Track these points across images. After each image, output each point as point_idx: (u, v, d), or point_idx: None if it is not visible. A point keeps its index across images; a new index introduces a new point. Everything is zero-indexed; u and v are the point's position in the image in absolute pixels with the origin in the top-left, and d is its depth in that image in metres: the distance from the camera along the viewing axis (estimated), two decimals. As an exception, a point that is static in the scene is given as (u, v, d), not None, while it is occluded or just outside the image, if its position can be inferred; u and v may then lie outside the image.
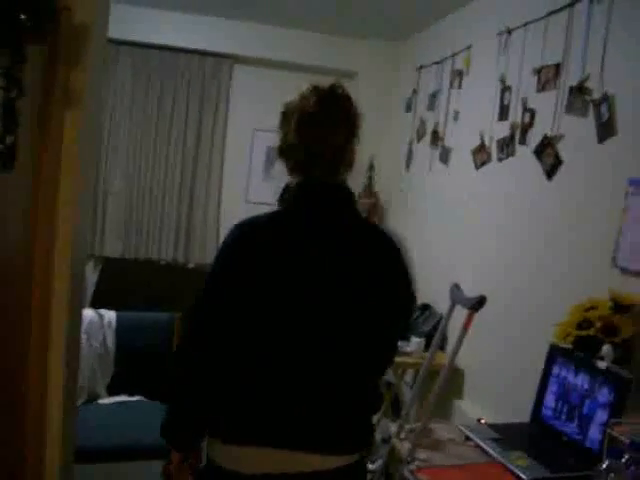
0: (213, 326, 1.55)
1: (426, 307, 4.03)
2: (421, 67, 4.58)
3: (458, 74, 4.00)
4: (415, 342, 3.66)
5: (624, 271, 2.41)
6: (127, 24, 4.49)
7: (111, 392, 3.66)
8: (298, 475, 1.52)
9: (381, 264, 1.59)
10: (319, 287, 1.53)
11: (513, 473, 2.03)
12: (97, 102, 1.89)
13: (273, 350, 1.53)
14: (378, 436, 3.50)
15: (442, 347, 3.42)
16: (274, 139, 1.66)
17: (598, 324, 2.28)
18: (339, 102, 1.58)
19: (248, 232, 1.57)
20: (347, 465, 1.57)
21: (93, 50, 1.64)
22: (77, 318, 1.92)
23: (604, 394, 2.17)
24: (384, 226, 1.69)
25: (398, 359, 3.66)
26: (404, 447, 2.13)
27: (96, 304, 4.28)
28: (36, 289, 1.66)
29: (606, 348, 2.21)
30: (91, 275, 4.91)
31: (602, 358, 2.21)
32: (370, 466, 3.35)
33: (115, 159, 4.92)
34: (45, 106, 1.60)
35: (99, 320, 3.75)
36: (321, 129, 1.55)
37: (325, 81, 1.60)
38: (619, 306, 2.31)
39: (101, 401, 3.60)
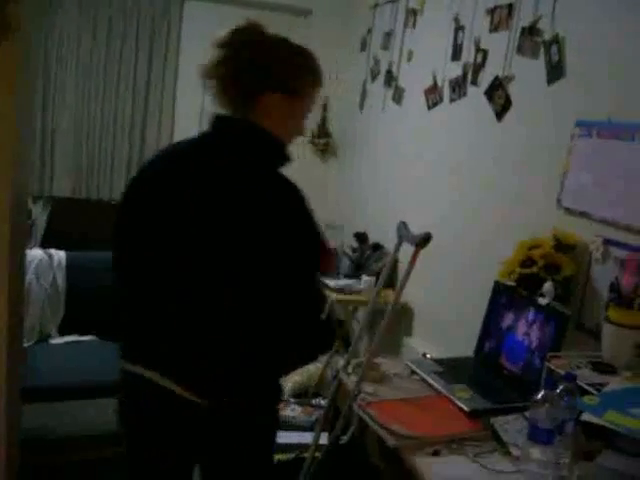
0: (115, 258, 1.67)
1: (378, 246, 4.07)
2: (376, 5, 4.51)
3: (413, 13, 3.96)
4: (366, 280, 3.71)
5: (568, 211, 2.47)
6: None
7: (63, 332, 3.65)
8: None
9: (255, 207, 1.49)
10: (182, 221, 1.52)
11: (456, 405, 2.10)
12: (32, 33, 1.81)
13: (144, 282, 1.60)
14: (329, 372, 3.59)
15: (392, 285, 3.47)
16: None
17: (541, 262, 2.34)
18: (239, 48, 1.63)
19: (141, 167, 1.67)
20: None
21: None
22: (20, 256, 1.89)
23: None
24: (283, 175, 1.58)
25: (349, 297, 3.74)
26: (351, 381, 2.18)
27: (46, 245, 4.22)
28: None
29: (548, 285, 2.28)
30: (41, 216, 4.82)
31: (543, 295, 2.29)
32: (321, 402, 3.45)
33: (63, 98, 4.76)
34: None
35: (48, 260, 3.70)
36: (216, 80, 1.68)
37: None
38: (562, 245, 2.37)
39: (52, 341, 3.59)
